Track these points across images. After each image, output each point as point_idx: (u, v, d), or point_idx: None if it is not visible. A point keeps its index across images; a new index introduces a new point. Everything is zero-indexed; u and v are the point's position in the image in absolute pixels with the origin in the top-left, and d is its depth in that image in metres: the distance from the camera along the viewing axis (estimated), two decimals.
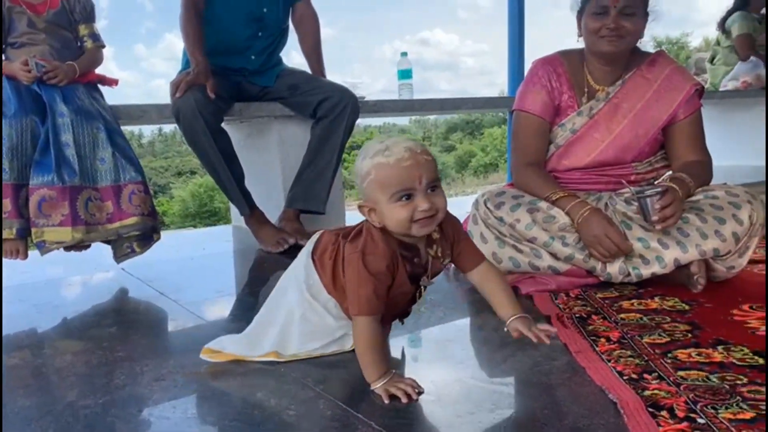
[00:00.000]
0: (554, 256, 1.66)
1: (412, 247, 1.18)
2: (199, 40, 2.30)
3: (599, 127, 1.78)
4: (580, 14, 1.79)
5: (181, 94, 2.19)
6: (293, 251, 2.32)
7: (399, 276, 1.16)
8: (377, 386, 1.09)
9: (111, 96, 2.23)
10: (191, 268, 2.30)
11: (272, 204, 2.62)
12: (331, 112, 2.44)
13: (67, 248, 1.97)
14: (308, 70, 2.68)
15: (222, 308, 1.75)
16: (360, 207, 1.14)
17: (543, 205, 1.70)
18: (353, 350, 1.19)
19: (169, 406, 1.11)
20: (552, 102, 1.82)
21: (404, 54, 3.13)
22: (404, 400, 1.05)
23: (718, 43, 4.95)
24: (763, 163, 4.64)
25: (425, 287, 1.24)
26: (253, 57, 2.51)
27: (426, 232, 1.13)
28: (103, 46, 2.24)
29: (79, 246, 2.01)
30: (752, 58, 4.67)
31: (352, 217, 3.21)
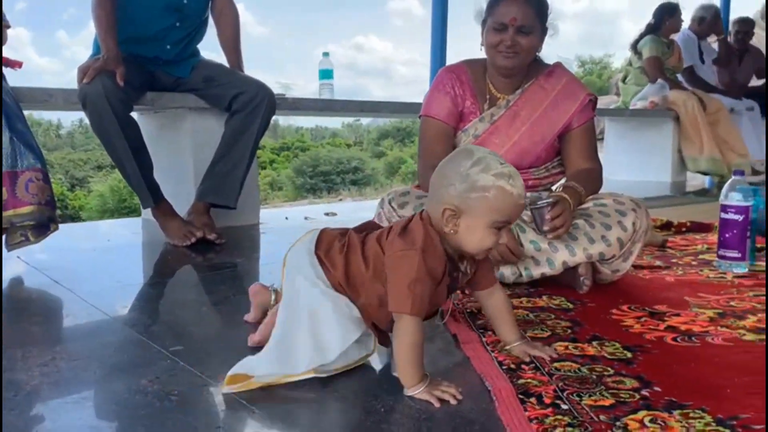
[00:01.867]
0: None
1: (454, 261, 1.15)
2: (112, 25, 2.24)
3: (499, 133, 1.85)
4: (483, 26, 1.85)
5: (89, 80, 2.13)
6: (201, 245, 2.30)
7: (441, 286, 1.12)
8: (418, 390, 1.03)
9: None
10: (92, 259, 2.24)
11: (183, 197, 2.58)
12: (246, 107, 2.43)
13: None
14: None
15: (119, 299, 1.71)
16: (445, 209, 1.08)
17: None
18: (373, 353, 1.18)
19: (50, 391, 1.09)
20: (455, 108, 1.89)
21: (326, 54, 3.15)
22: (453, 402, 1.01)
23: (630, 63, 5.22)
24: (668, 179, 4.94)
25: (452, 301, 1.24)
26: (168, 47, 2.47)
27: (483, 257, 1.16)
28: (8, 26, 2.16)
29: None
30: (659, 80, 4.95)
31: (268, 214, 3.21)
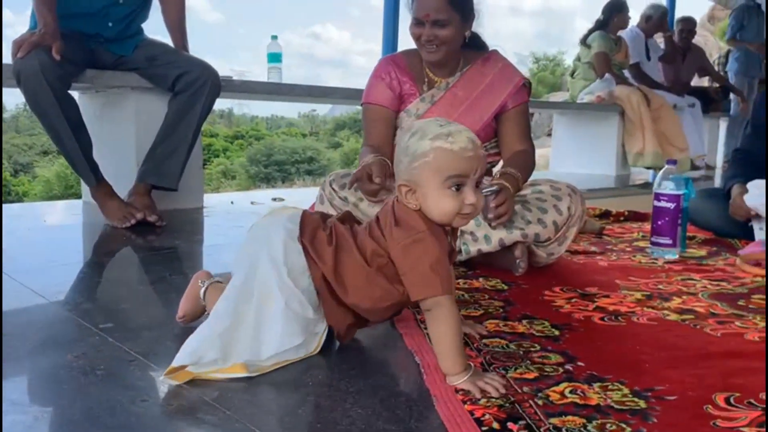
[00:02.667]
0: None
1: (448, 236, 1.11)
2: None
3: (440, 112, 1.88)
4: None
5: (23, 54, 2.06)
6: (141, 227, 2.26)
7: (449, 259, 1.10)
8: (463, 379, 0.98)
9: None
10: (27, 238, 2.18)
11: (124, 178, 2.52)
12: (189, 87, 2.39)
13: None
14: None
15: (52, 278, 1.66)
16: (399, 186, 1.05)
17: None
18: (314, 353, 1.11)
19: None
20: (394, 92, 1.93)
21: (274, 37, 3.12)
22: (495, 394, 0.95)
23: (579, 58, 5.32)
24: (612, 172, 5.07)
25: None
26: (110, 24, 2.41)
27: (463, 224, 1.10)
28: None
29: None
30: (607, 75, 5.07)
31: (213, 198, 3.17)
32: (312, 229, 1.14)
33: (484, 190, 1.66)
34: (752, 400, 0.97)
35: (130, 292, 1.60)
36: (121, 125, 2.68)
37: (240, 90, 2.89)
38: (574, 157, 5.20)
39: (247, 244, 1.16)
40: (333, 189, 1.81)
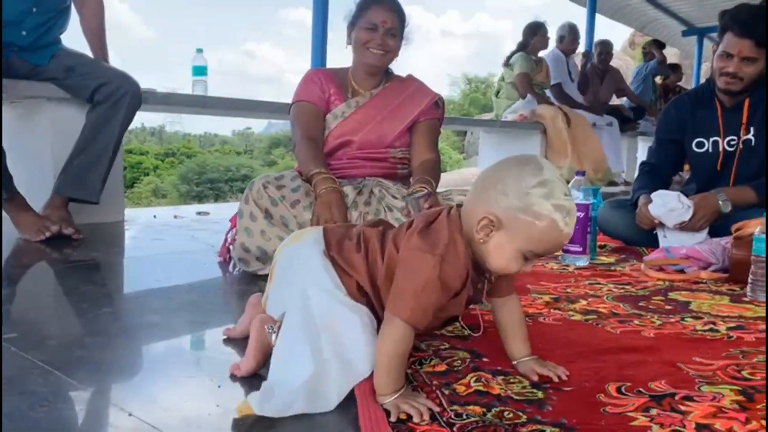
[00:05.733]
0: None
1: (479, 269, 1.05)
2: None
3: (363, 114, 2.03)
4: (352, 26, 2.02)
5: None
6: (57, 240, 2.20)
7: (460, 296, 1.04)
8: (389, 400, 0.93)
9: None
10: None
11: (40, 191, 2.44)
12: (108, 98, 2.35)
13: None
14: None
15: None
16: (485, 216, 0.97)
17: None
18: None
19: None
20: (323, 94, 2.04)
21: (200, 50, 3.10)
22: (416, 419, 0.89)
23: (502, 78, 5.51)
24: None
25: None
26: (24, 32, 2.34)
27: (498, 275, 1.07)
28: None
29: None
30: (529, 96, 5.26)
31: (135, 212, 3.10)
32: (337, 241, 1.10)
33: (416, 195, 1.75)
34: (641, 389, 1.04)
35: (39, 303, 1.55)
36: (37, 136, 2.60)
37: (164, 102, 2.86)
38: None
39: (285, 275, 1.10)
40: (264, 187, 1.81)
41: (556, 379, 1.05)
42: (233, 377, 1.04)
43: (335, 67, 2.17)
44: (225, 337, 1.23)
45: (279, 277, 1.13)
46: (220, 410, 0.93)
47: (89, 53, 2.57)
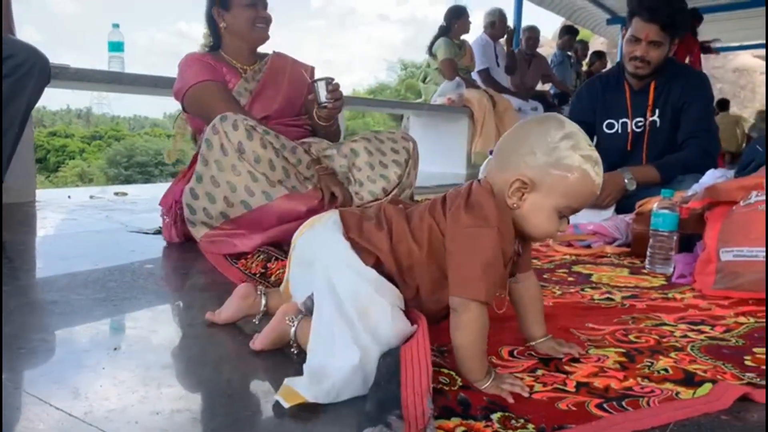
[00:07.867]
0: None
1: (516, 243, 1.02)
2: None
3: (270, 86, 2.09)
4: (223, 8, 2.05)
5: None
6: None
7: (506, 271, 1.01)
8: (487, 384, 0.92)
9: None
10: None
11: None
12: (15, 72, 2.23)
13: None
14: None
15: None
16: (517, 178, 0.95)
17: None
18: None
19: None
20: (220, 75, 2.03)
21: (116, 25, 2.99)
22: (525, 394, 0.90)
23: (428, 65, 5.54)
24: (464, 171, 5.33)
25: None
26: None
27: (538, 241, 1.06)
28: None
29: None
30: (457, 78, 5.32)
31: (48, 193, 2.99)
32: (355, 222, 1.07)
33: (320, 79, 1.92)
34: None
35: None
36: None
37: (77, 78, 2.74)
38: (428, 156, 5.38)
39: (304, 256, 1.07)
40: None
41: (576, 356, 1.06)
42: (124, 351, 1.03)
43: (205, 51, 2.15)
44: (209, 321, 1.18)
45: (299, 259, 1.10)
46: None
47: None
